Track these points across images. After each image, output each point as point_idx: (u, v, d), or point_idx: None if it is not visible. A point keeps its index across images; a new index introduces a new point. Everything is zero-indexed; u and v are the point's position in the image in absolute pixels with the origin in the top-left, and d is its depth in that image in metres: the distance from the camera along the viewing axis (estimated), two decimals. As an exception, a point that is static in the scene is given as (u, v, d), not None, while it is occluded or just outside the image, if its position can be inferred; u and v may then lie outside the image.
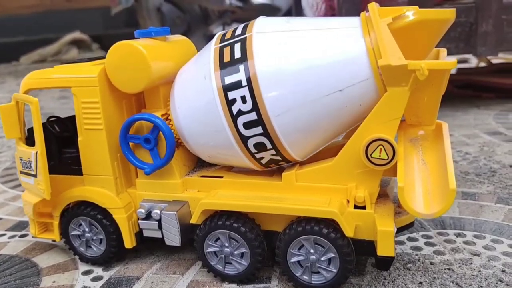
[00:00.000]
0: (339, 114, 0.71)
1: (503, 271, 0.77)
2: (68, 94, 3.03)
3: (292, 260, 0.74)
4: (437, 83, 0.69)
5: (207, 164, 0.89)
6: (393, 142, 0.68)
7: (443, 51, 0.77)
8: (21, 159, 0.84)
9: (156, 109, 0.84)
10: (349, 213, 0.72)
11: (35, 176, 0.81)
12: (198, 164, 0.90)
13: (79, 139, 0.83)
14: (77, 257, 0.92)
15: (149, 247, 0.93)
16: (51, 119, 0.91)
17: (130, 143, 0.81)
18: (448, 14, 0.70)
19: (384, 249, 0.69)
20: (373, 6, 0.70)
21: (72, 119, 0.93)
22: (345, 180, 0.74)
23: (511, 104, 1.95)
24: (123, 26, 4.96)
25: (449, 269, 0.79)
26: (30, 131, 0.89)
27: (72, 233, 0.88)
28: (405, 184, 0.67)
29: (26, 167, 0.83)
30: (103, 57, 0.90)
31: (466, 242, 0.87)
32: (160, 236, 0.82)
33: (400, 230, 0.78)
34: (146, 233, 0.83)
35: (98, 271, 0.87)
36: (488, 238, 0.88)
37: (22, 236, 1.05)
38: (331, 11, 2.22)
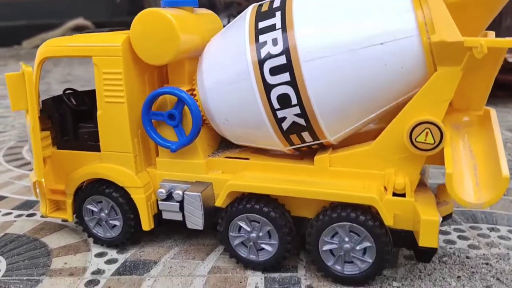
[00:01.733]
0: (378, 78, 0.66)
1: (545, 268, 0.73)
2: (71, 78, 2.97)
3: (324, 248, 0.70)
4: (491, 64, 0.64)
5: (231, 145, 0.84)
6: (441, 126, 0.63)
7: (491, 33, 0.72)
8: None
9: (181, 84, 0.78)
10: (388, 200, 0.67)
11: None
12: (222, 145, 0.85)
13: (99, 112, 0.78)
14: (90, 238, 0.87)
15: (166, 230, 0.88)
16: (67, 91, 0.86)
17: (153, 120, 0.76)
18: (505, -10, 0.65)
19: (428, 239, 0.64)
20: (426, -22, 0.65)
21: (90, 93, 0.89)
22: (384, 165, 0.69)
23: None
24: (127, 14, 4.90)
25: (486, 263, 0.75)
26: (44, 102, 0.84)
27: (87, 212, 0.83)
28: (453, 171, 0.62)
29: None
30: (125, 28, 0.85)
31: (501, 237, 0.83)
32: (181, 219, 0.77)
33: None
34: (165, 215, 0.78)
35: (112, 253, 0.82)
36: None
37: (29, 215, 1.00)
38: None
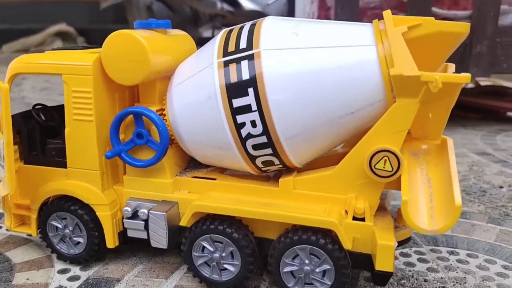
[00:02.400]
0: (346, 128, 0.69)
1: (498, 293, 0.76)
2: (50, 85, 2.94)
3: (285, 270, 0.71)
4: (447, 97, 0.67)
5: (199, 165, 0.85)
6: (399, 154, 0.66)
7: (451, 66, 0.76)
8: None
9: (151, 104, 0.79)
10: (348, 224, 0.69)
11: (3, 167, 0.76)
12: (190, 164, 0.86)
13: (67, 129, 0.78)
14: (53, 254, 0.86)
15: (131, 248, 0.88)
16: (37, 107, 0.86)
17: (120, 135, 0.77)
18: (463, 28, 0.68)
19: (383, 263, 0.66)
20: (388, 14, 0.69)
21: (58, 108, 0.89)
22: (345, 190, 0.71)
23: (497, 126, 1.98)
24: (111, 21, 4.88)
25: (443, 287, 0.77)
26: (14, 117, 0.84)
27: (51, 228, 0.83)
28: (409, 198, 0.65)
29: (1, 156, 0.77)
30: (98, 46, 0.86)
31: (459, 261, 0.86)
32: (146, 237, 0.77)
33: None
34: (130, 233, 0.79)
35: (75, 270, 0.82)
36: (481, 257, 0.87)
37: (-6, 228, 0.99)
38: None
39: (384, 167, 0.67)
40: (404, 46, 0.64)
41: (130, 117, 0.77)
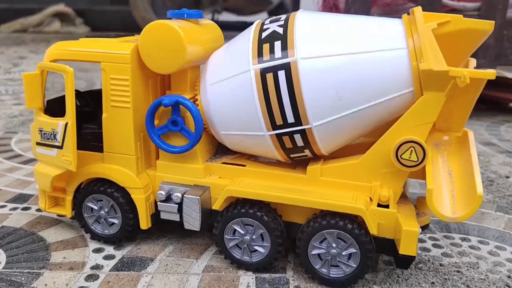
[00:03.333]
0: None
1: (509, 276, 0.81)
2: (79, 74, 2.93)
3: (313, 253, 0.76)
4: (472, 92, 0.71)
5: (227, 151, 0.89)
6: (424, 145, 0.70)
7: (473, 61, 0.79)
8: (40, 130, 0.82)
9: (183, 91, 0.83)
10: (373, 210, 0.73)
11: (60, 147, 0.80)
12: (219, 150, 0.89)
13: (104, 115, 0.82)
14: (85, 234, 0.90)
15: (160, 228, 0.93)
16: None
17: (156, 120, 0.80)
18: (488, 26, 0.72)
19: (407, 248, 0.71)
20: (418, 10, 0.72)
21: (93, 94, 0.92)
22: (371, 178, 0.75)
23: (501, 116, 2.03)
24: (109, 3, 4.83)
25: (458, 271, 0.82)
26: (49, 102, 0.87)
27: (87, 209, 0.87)
28: (434, 187, 0.69)
29: (48, 138, 0.81)
30: (130, 35, 0.89)
31: (471, 247, 0.91)
32: (178, 220, 0.81)
33: None
34: (163, 215, 0.83)
35: (109, 249, 0.86)
36: (492, 244, 0.92)
37: (24, 209, 1.03)
38: (335, 11, 2.23)
39: (410, 157, 0.71)
40: (433, 42, 0.68)
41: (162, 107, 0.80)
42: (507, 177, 1.29)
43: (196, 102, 0.81)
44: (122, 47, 0.79)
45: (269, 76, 0.72)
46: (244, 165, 0.83)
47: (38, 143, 0.84)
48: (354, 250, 0.73)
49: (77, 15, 5.33)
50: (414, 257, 0.71)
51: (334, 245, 0.74)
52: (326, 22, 0.75)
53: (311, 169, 0.78)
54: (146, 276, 0.78)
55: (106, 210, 0.85)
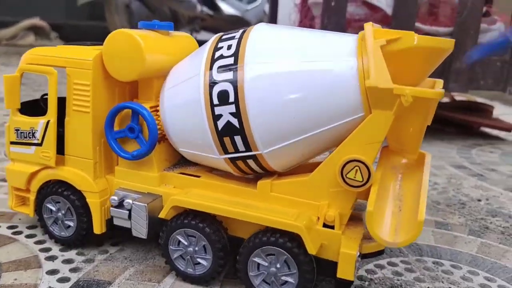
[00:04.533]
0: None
1: (479, 306, 0.75)
2: (26, 81, 2.94)
3: (251, 273, 0.73)
4: (422, 112, 0.68)
5: (191, 163, 0.88)
6: (369, 165, 0.67)
7: (440, 82, 0.76)
8: (17, 130, 0.86)
9: (147, 100, 0.84)
10: (317, 230, 0.71)
11: (39, 145, 0.85)
12: (182, 161, 0.89)
13: (66, 119, 0.84)
14: (40, 254, 0.87)
15: (121, 250, 0.89)
16: (45, 97, 0.93)
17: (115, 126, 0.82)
18: (446, 44, 0.69)
19: (344, 271, 0.67)
20: (369, 26, 0.70)
21: (63, 99, 0.95)
22: (319, 196, 0.73)
23: (472, 140, 2.02)
24: (87, 18, 4.68)
25: (429, 298, 0.77)
26: (24, 104, 0.91)
27: (46, 210, 0.88)
28: (375, 209, 0.66)
29: (25, 137, 0.86)
30: (101, 44, 0.92)
31: (444, 271, 0.87)
32: (129, 226, 0.81)
33: (368, 256, 0.76)
34: (116, 222, 0.83)
35: (64, 271, 0.82)
36: (465, 269, 0.88)
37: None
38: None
39: (355, 177, 0.68)
40: (380, 58, 0.66)
41: (127, 111, 0.82)
42: (479, 200, 1.27)
43: (158, 113, 0.82)
44: (86, 54, 0.81)
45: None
46: (199, 176, 0.82)
47: (13, 142, 0.88)
48: (294, 271, 0.70)
49: (52, 29, 5.14)
50: (352, 281, 0.67)
51: (273, 263, 0.72)
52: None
53: (261, 183, 0.77)
54: (102, 303, 0.75)
55: (63, 212, 0.87)
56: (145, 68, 0.78)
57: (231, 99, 0.71)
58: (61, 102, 0.86)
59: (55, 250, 0.88)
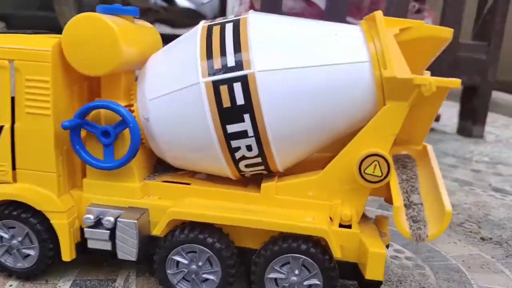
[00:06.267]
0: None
1: None
2: None
3: (269, 276, 0.67)
4: (435, 102, 0.67)
5: (168, 169, 0.78)
6: (389, 159, 0.65)
7: (427, 74, 0.76)
8: None
9: (115, 99, 0.71)
10: (335, 232, 0.66)
11: None
12: (157, 168, 0.78)
13: (17, 124, 0.67)
14: None
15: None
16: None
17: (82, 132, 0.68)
18: (448, 33, 0.69)
19: (374, 272, 0.64)
20: (379, 15, 0.67)
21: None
22: (331, 196, 0.69)
23: None
24: (36, 8, 4.47)
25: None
26: None
27: None
28: (401, 205, 0.64)
29: None
30: (49, 33, 0.76)
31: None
32: (109, 248, 0.69)
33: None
34: (91, 244, 0.69)
35: None
36: None
37: None
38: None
39: (373, 172, 0.65)
40: (396, 48, 0.63)
41: (92, 113, 0.68)
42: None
43: (132, 110, 0.70)
44: (41, 43, 0.66)
45: (223, 89, 0.64)
46: (189, 184, 0.72)
47: None
48: (317, 282, 0.65)
49: (1, 20, 4.85)
50: (381, 282, 0.65)
51: (296, 272, 0.66)
52: (282, 29, 0.68)
53: (265, 186, 0.70)
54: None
55: (19, 239, 0.70)
56: (121, 58, 0.65)
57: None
58: None
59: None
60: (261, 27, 0.67)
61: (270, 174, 0.72)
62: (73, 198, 0.71)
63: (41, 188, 0.69)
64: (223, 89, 0.64)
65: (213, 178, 0.74)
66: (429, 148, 0.74)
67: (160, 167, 0.78)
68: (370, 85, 0.65)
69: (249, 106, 0.63)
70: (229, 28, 0.68)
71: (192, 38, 0.69)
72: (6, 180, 0.69)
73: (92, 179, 0.71)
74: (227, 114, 0.64)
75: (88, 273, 0.76)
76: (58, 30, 0.77)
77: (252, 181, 0.73)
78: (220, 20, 0.71)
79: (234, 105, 0.63)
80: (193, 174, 0.77)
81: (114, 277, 0.75)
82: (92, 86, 0.76)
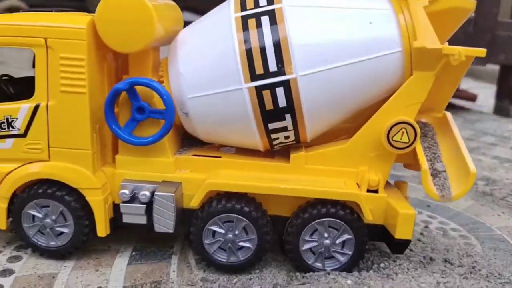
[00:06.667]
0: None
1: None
2: (3, 59, 2.45)
3: (304, 248, 0.70)
4: (459, 72, 0.71)
5: (194, 144, 0.79)
6: (416, 126, 0.68)
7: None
8: None
9: (144, 75, 0.72)
10: (364, 196, 0.70)
11: (22, 136, 0.68)
12: (185, 142, 0.80)
13: (50, 103, 0.68)
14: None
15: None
16: (4, 77, 0.73)
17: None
18: (472, 5, 0.71)
19: (404, 232, 0.68)
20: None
21: (28, 80, 0.77)
22: (358, 163, 0.72)
23: None
24: None
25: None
26: None
27: (27, 217, 0.71)
28: (427, 168, 0.67)
29: None
30: (74, 10, 0.76)
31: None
32: (145, 222, 0.70)
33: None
34: (127, 219, 0.71)
35: None
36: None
37: None
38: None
39: (401, 139, 0.69)
40: (426, 19, 0.66)
41: (123, 93, 0.69)
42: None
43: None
44: (75, 21, 0.66)
45: (266, 93, 0.67)
46: (219, 157, 0.74)
47: None
48: (349, 236, 0.69)
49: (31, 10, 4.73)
50: (410, 240, 0.69)
51: (326, 235, 0.69)
52: (318, 19, 0.68)
53: (295, 156, 0.73)
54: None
55: (53, 217, 0.71)
56: (155, 34, 0.66)
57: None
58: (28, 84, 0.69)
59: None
60: (299, 23, 0.67)
61: (297, 146, 0.75)
62: (105, 175, 0.72)
63: (76, 166, 0.69)
64: (266, 93, 0.66)
65: (241, 151, 0.77)
66: (449, 115, 0.77)
67: (187, 141, 0.80)
68: (398, 56, 0.68)
69: (291, 105, 0.66)
70: (265, 22, 0.67)
71: (226, 29, 0.68)
72: (42, 159, 0.69)
73: (125, 155, 0.72)
74: (270, 115, 0.68)
75: (147, 241, 0.79)
76: (82, 9, 0.77)
77: (278, 153, 0.76)
78: (252, 8, 0.69)
79: (277, 107, 0.67)
80: (218, 146, 0.79)
81: (172, 244, 0.79)
82: (118, 63, 0.76)
